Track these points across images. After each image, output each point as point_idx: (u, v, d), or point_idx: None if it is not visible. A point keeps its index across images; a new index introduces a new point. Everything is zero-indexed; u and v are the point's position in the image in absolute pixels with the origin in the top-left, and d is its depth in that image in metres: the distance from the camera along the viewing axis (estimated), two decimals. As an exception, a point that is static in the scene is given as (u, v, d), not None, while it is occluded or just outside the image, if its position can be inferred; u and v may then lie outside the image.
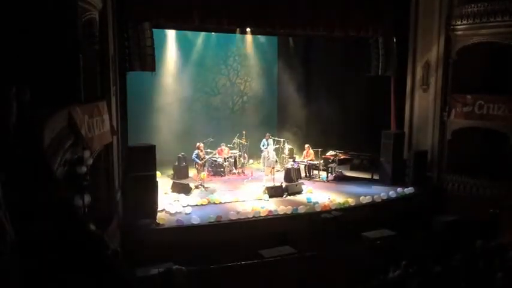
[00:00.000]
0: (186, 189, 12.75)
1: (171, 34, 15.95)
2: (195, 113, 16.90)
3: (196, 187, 13.20)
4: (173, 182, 13.17)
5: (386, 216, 12.00)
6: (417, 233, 11.30)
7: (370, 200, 12.56)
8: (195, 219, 10.59)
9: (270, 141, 15.50)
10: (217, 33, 16.17)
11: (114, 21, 10.06)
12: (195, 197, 12.32)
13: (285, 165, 14.77)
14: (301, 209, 11.54)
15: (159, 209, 10.90)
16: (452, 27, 13.68)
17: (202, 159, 13.77)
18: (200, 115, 17.02)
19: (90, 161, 7.03)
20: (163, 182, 13.00)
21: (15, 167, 2.38)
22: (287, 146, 15.85)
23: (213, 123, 16.99)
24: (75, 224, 2.42)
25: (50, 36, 6.77)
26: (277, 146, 15.64)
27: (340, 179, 14.83)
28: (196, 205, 11.77)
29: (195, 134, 15.28)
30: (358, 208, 12.20)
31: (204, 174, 13.63)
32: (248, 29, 14.69)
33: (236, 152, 15.33)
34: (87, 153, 6.76)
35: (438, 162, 14.30)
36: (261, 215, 11.14)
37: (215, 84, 17.68)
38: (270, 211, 11.31)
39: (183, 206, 11.56)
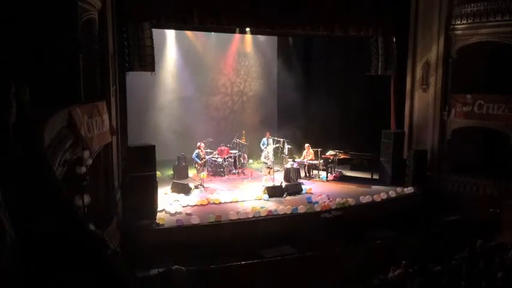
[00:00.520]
0: (185, 189, 12.75)
1: (171, 34, 15.95)
2: (195, 112, 16.89)
3: (196, 187, 13.20)
4: (173, 182, 13.17)
5: (386, 216, 11.98)
6: (417, 233, 11.31)
7: (370, 200, 12.53)
8: (195, 219, 10.59)
9: (270, 140, 15.49)
10: (217, 33, 16.16)
11: (113, 21, 10.06)
12: (195, 197, 12.32)
13: (285, 165, 14.77)
14: (301, 209, 11.52)
15: (159, 209, 10.89)
16: (452, 26, 13.66)
17: (202, 159, 13.77)
18: (200, 115, 17.02)
19: (90, 161, 7.05)
20: (163, 182, 12.99)
21: (15, 167, 2.38)
22: (287, 146, 15.84)
23: (213, 123, 16.98)
24: (75, 224, 2.41)
25: (50, 36, 6.78)
26: (277, 145, 15.64)
27: (340, 178, 14.82)
28: (196, 205, 11.76)
29: (195, 134, 15.28)
30: (358, 208, 12.16)
31: (204, 174, 13.63)
32: (248, 29, 14.70)
33: (236, 152, 15.34)
34: (86, 154, 6.77)
35: (438, 162, 14.27)
36: (261, 215, 11.12)
37: (215, 84, 17.68)
38: (270, 211, 11.29)
39: (183, 206, 11.56)
